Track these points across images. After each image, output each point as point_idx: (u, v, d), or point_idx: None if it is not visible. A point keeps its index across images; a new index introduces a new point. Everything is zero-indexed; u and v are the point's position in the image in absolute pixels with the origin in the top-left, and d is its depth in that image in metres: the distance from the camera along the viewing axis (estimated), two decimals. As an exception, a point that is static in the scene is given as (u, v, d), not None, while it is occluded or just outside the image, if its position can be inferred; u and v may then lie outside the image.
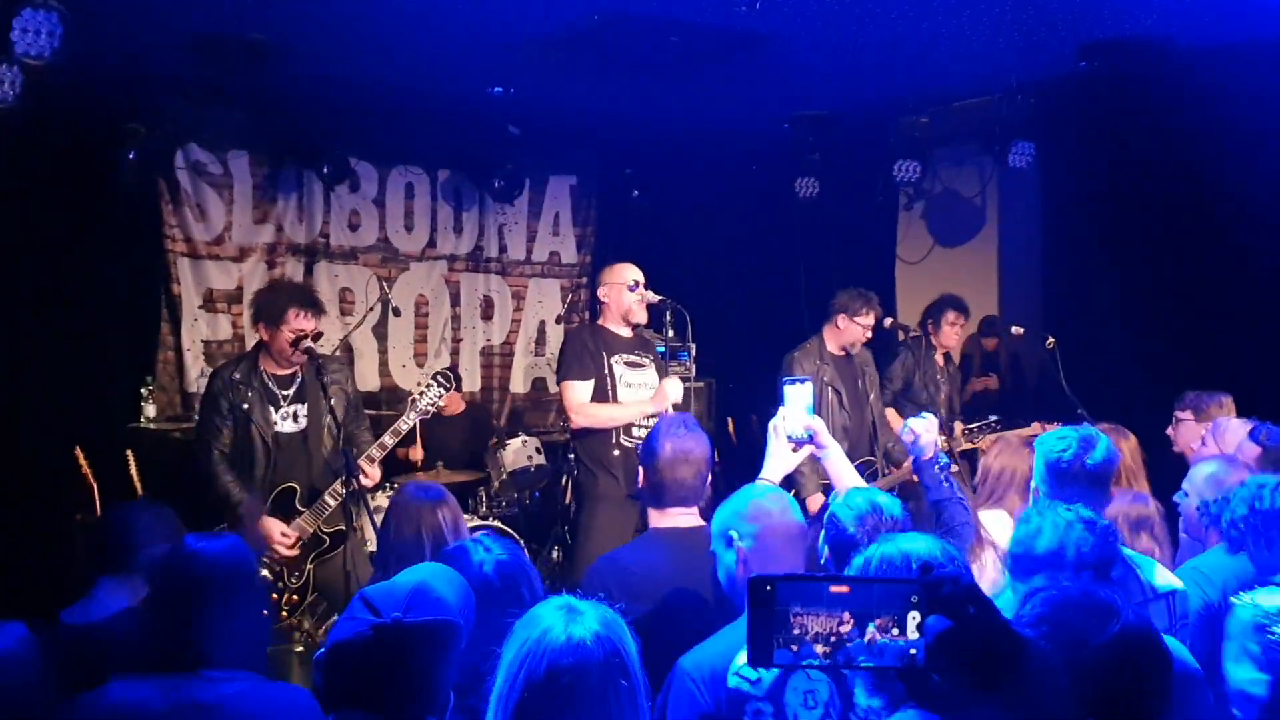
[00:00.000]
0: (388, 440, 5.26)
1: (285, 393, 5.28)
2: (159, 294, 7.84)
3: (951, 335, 7.55)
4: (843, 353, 6.88)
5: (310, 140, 7.82)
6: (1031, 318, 8.11)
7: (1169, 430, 5.57)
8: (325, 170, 7.86)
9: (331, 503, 5.24)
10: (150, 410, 7.46)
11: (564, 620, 1.96)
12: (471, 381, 9.19)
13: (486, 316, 9.30)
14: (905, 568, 2.12)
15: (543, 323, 9.54)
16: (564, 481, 7.70)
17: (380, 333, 8.74)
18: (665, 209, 9.30)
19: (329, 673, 2.09)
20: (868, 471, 6.65)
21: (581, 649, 1.92)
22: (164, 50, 6.57)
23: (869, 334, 6.84)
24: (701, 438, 3.63)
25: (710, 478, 3.65)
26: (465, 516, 7.19)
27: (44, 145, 6.77)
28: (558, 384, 5.93)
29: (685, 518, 3.57)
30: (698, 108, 8.37)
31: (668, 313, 6.68)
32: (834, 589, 1.23)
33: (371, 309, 8.29)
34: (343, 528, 5.32)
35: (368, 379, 8.66)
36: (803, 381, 3.51)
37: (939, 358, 7.53)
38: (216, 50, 6.51)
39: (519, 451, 7.61)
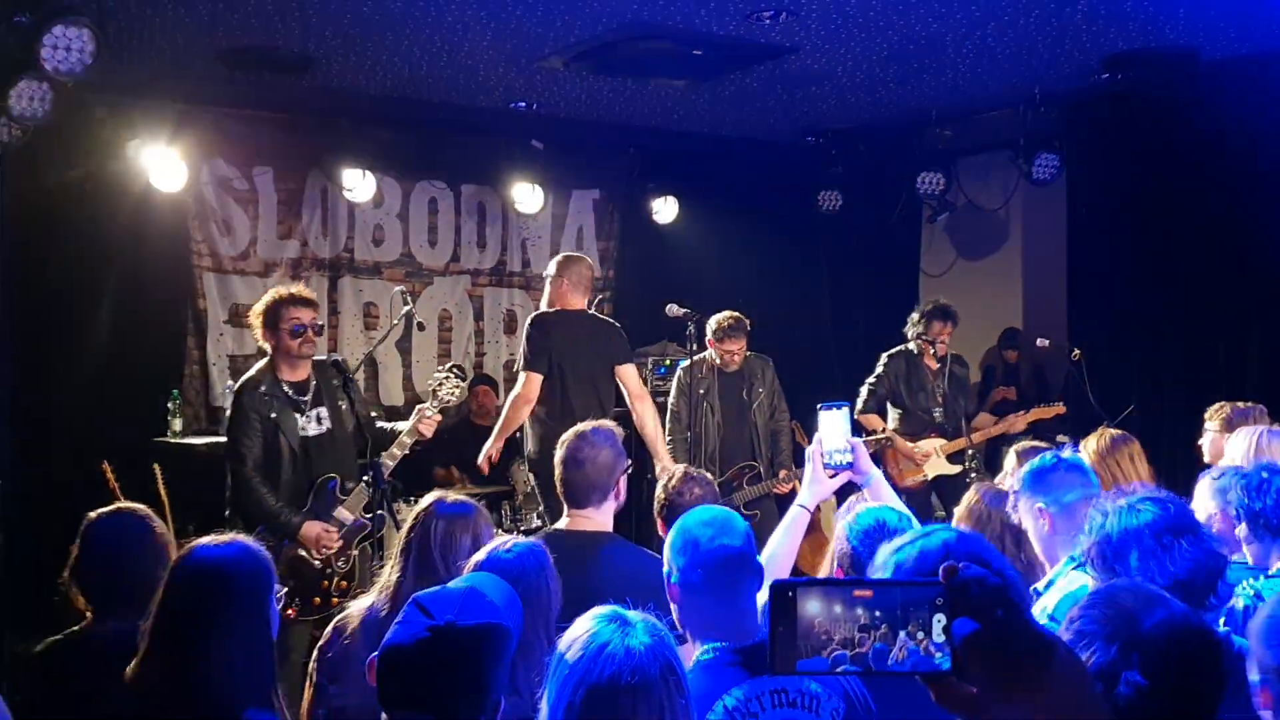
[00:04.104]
0: (423, 428, 5.39)
1: (304, 399, 5.44)
2: (185, 309, 7.90)
3: (938, 346, 7.34)
4: (729, 365, 7.04)
5: (335, 155, 7.86)
6: (1055, 330, 8.07)
7: (1200, 442, 5.51)
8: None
9: (368, 490, 5.41)
10: (177, 424, 7.50)
11: (619, 633, 1.97)
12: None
13: (510, 331, 9.32)
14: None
15: (566, 336, 9.54)
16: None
17: (404, 347, 8.77)
18: (688, 222, 9.31)
19: (384, 675, 2.11)
20: (748, 475, 6.89)
21: (640, 660, 1.93)
22: (191, 65, 6.63)
23: (735, 357, 6.99)
24: (600, 445, 3.76)
25: (616, 482, 3.77)
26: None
27: (72, 159, 6.84)
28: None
29: (582, 520, 3.73)
30: (721, 121, 8.39)
31: (690, 325, 6.72)
32: (857, 593, 1.21)
33: (396, 323, 8.32)
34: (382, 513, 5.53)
35: (392, 393, 8.69)
36: (839, 406, 3.36)
37: (931, 365, 7.37)
38: (243, 65, 6.56)
39: (543, 464, 7.61)
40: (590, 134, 8.58)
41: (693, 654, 2.64)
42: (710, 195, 9.28)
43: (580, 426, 3.86)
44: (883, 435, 7.17)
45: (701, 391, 6.97)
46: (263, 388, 5.39)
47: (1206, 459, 5.35)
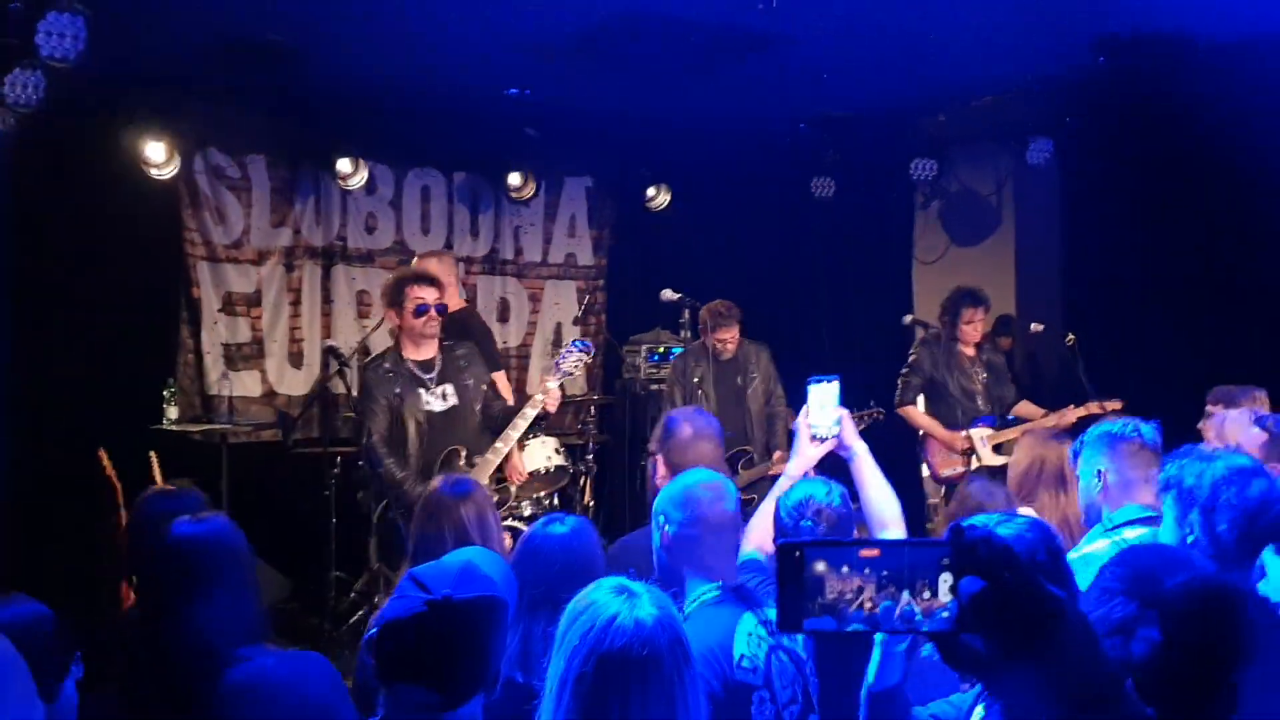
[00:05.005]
0: (545, 395, 5.45)
1: (429, 376, 5.62)
2: (179, 297, 7.88)
3: (970, 331, 7.15)
4: (724, 353, 7.09)
5: (327, 143, 7.85)
6: (1049, 315, 8.08)
7: (1200, 425, 5.52)
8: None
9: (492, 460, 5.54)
10: (172, 413, 7.51)
11: (627, 605, 1.99)
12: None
13: (503, 319, 9.30)
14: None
15: (559, 325, 9.53)
16: (582, 483, 7.71)
17: (397, 335, 8.73)
18: (681, 210, 9.30)
19: (382, 649, 2.13)
20: (741, 460, 6.98)
21: (650, 632, 1.95)
22: (184, 53, 6.61)
23: (728, 345, 7.04)
24: (713, 420, 3.91)
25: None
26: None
27: (66, 148, 6.82)
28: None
29: None
30: (714, 108, 8.36)
31: (685, 311, 6.73)
32: (864, 553, 1.22)
33: (389, 311, 8.33)
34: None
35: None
36: (829, 380, 3.46)
37: (967, 351, 7.17)
38: (236, 53, 6.54)
39: (539, 452, 7.59)
40: (583, 121, 8.55)
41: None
42: (704, 182, 9.27)
43: (684, 409, 3.96)
44: (876, 410, 6.84)
45: (696, 379, 6.98)
46: (386, 364, 5.60)
47: (1207, 442, 5.38)
